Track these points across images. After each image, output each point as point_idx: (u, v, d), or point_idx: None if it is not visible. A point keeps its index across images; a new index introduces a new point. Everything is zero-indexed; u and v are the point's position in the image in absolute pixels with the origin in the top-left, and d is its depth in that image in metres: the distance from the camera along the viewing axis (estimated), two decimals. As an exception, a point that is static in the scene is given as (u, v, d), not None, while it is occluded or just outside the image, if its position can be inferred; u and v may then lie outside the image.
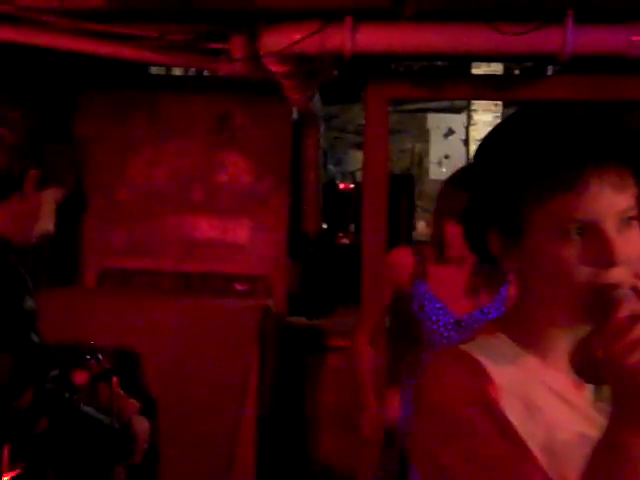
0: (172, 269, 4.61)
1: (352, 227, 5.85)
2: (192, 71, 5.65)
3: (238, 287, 4.58)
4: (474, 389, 1.04)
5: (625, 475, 0.92)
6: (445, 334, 2.55)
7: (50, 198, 1.88)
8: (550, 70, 4.72)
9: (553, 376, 1.10)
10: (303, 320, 4.66)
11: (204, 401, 3.92)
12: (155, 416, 2.99)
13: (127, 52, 3.69)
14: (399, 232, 5.60)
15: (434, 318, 2.56)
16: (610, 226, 1.01)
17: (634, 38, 3.32)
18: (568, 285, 1.02)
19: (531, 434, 1.03)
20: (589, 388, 1.12)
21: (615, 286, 0.99)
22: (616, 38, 3.39)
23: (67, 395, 1.72)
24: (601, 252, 1.00)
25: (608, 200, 1.01)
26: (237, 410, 3.96)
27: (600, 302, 0.98)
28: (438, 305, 2.57)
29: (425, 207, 8.82)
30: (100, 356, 2.21)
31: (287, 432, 4.39)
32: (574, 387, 1.11)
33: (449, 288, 2.61)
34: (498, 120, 9.21)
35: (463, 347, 1.10)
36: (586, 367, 1.09)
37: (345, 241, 5.63)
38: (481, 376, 1.05)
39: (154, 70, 5.32)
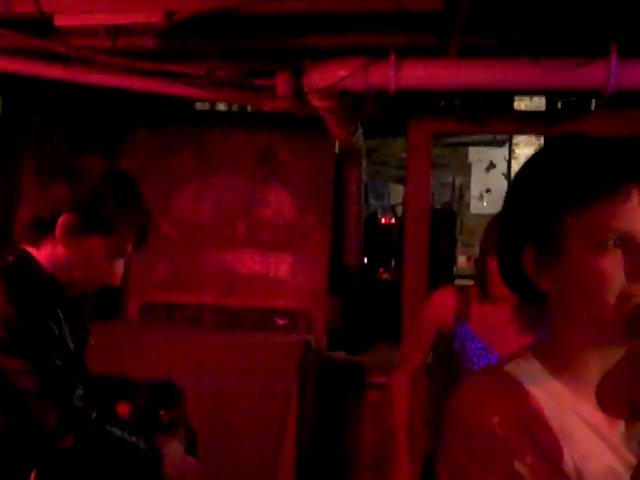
0: (214, 303, 4.63)
1: (393, 262, 5.83)
2: (236, 106, 5.72)
3: (279, 322, 4.58)
4: (513, 406, 1.03)
5: None
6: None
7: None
8: (593, 104, 4.70)
9: (587, 409, 1.08)
10: (343, 355, 4.64)
11: (244, 436, 3.91)
12: (195, 450, 2.98)
13: (176, 89, 3.77)
14: (440, 267, 5.56)
15: (475, 359, 2.52)
16: None
17: (680, 72, 3.29)
18: (605, 297, 1.01)
19: (565, 461, 1.02)
20: (622, 424, 1.08)
21: None
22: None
23: (94, 415, 1.74)
24: (638, 264, 0.99)
25: None
26: (276, 445, 3.94)
27: (636, 318, 0.97)
28: (480, 345, 2.53)
29: (466, 241, 8.78)
30: (145, 390, 2.22)
31: (326, 468, 4.36)
32: (607, 422, 1.08)
33: (492, 328, 2.57)
34: (540, 154, 9.16)
35: (504, 367, 1.10)
36: (619, 401, 1.07)
37: (386, 276, 5.61)
38: (523, 395, 1.05)
39: (199, 106, 5.39)
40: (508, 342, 2.52)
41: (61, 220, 1.79)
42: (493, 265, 2.47)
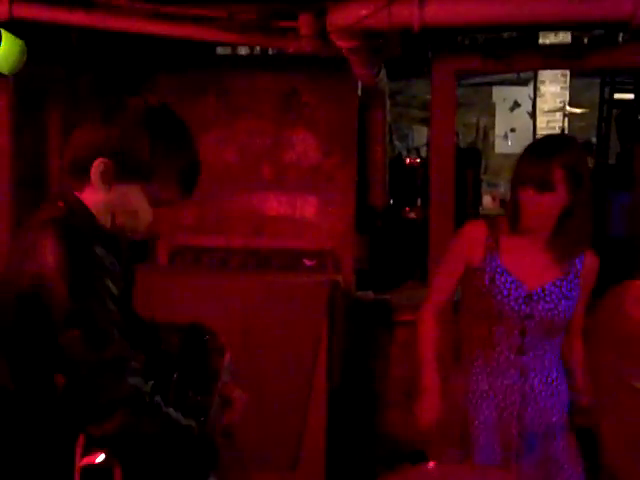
0: (242, 246, 4.69)
1: (419, 202, 5.84)
2: (257, 50, 5.70)
3: (307, 263, 4.63)
4: None
5: None
6: (516, 308, 2.53)
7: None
8: (621, 38, 4.63)
9: None
10: (371, 295, 4.69)
11: (275, 375, 3.98)
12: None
13: (199, 33, 3.76)
14: (466, 206, 5.57)
15: (505, 292, 2.54)
16: None
17: None
18: None
19: None
20: None
21: None
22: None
23: (147, 396, 1.66)
24: None
25: None
26: (307, 383, 4.02)
27: None
28: (510, 279, 2.55)
29: (491, 181, 8.75)
30: (176, 333, 2.24)
31: (356, 405, 4.44)
32: None
33: (522, 261, 2.59)
34: (566, 91, 9.06)
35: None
36: None
37: (412, 215, 5.62)
38: None
39: (220, 51, 5.38)
40: (538, 275, 2.56)
41: (94, 165, 1.69)
42: (525, 196, 2.48)
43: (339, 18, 3.48)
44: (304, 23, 3.64)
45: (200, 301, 3.97)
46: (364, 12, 3.38)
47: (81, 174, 1.72)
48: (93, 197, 1.74)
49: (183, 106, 4.70)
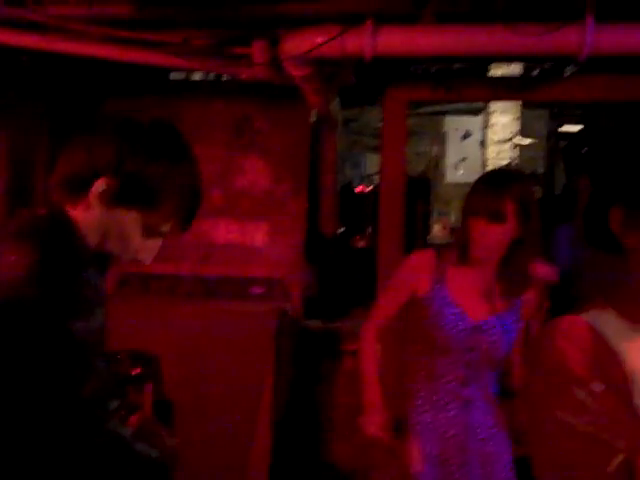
0: (190, 273, 4.64)
1: (369, 230, 5.86)
2: (211, 76, 5.68)
3: (255, 290, 4.59)
4: (592, 350, 1.15)
5: None
6: (461, 340, 2.54)
7: None
8: (569, 70, 4.72)
9: None
10: (319, 323, 4.67)
11: (221, 404, 3.94)
12: (172, 419, 2.99)
13: (152, 58, 3.73)
14: (415, 235, 5.60)
15: (451, 324, 2.55)
16: None
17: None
18: None
19: (636, 398, 1.13)
20: None
21: None
22: (636, 37, 3.38)
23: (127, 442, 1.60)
24: None
25: None
26: (253, 412, 3.98)
27: None
28: (456, 310, 2.56)
29: (441, 210, 8.82)
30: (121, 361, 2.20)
31: (302, 435, 4.40)
32: None
33: (468, 292, 2.60)
34: (517, 122, 9.20)
35: (574, 317, 1.21)
36: None
37: (362, 244, 5.64)
38: (596, 339, 1.16)
39: (174, 76, 5.34)
40: (484, 307, 2.57)
41: (97, 183, 1.59)
42: (476, 227, 2.50)
43: (292, 46, 3.49)
44: (258, 50, 3.64)
45: (147, 329, 3.91)
46: (317, 41, 3.39)
47: (78, 189, 1.61)
48: (85, 215, 1.62)
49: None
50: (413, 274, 2.65)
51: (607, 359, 1.14)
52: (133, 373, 2.11)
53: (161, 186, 1.62)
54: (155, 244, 1.71)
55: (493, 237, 2.49)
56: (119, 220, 1.64)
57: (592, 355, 1.15)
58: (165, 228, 1.69)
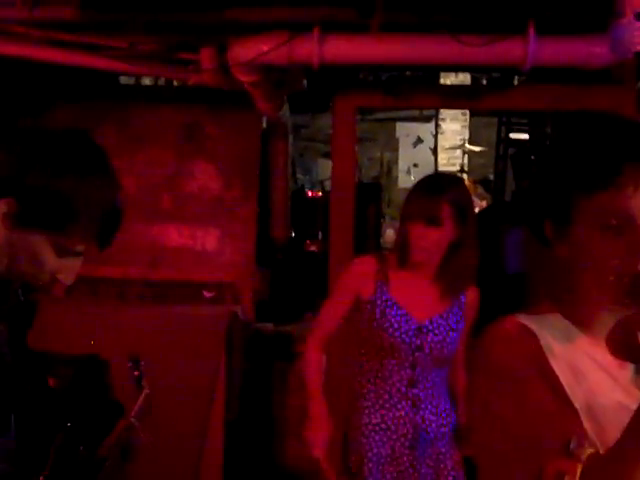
0: (140, 277, 4.62)
1: (320, 235, 5.89)
2: (162, 81, 5.68)
3: (206, 294, 4.60)
4: (529, 351, 1.19)
5: None
6: (407, 340, 2.59)
7: None
8: (516, 80, 4.82)
9: (600, 352, 1.22)
10: (271, 326, 4.69)
11: (172, 408, 3.92)
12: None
13: (97, 62, 3.73)
14: (367, 240, 5.65)
15: (396, 325, 2.59)
16: None
17: (594, 49, 3.40)
18: (606, 273, 1.15)
19: (575, 395, 1.17)
20: (630, 367, 1.24)
21: None
22: (576, 50, 3.48)
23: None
24: (635, 244, 1.13)
25: None
26: (205, 416, 3.99)
27: (634, 287, 1.11)
28: (400, 312, 2.61)
29: (394, 215, 8.88)
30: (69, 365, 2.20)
31: (254, 437, 4.42)
32: (618, 365, 1.22)
33: (411, 294, 2.65)
34: (466, 129, 9.32)
35: (519, 317, 1.25)
36: (627, 347, 1.17)
37: (313, 248, 5.68)
38: (533, 341, 1.20)
39: (124, 80, 5.33)
40: (427, 308, 2.63)
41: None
42: (415, 231, 2.56)
43: (240, 53, 3.52)
44: (205, 56, 3.67)
45: (97, 333, 3.89)
46: (264, 48, 3.43)
47: None
48: None
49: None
50: (356, 280, 2.70)
51: (544, 362, 1.19)
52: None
53: (69, 203, 1.45)
54: (74, 263, 1.56)
55: (431, 240, 2.56)
56: (27, 242, 1.48)
57: (530, 358, 1.19)
58: (80, 248, 1.54)
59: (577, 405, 1.17)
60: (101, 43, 3.62)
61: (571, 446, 1.09)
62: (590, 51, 3.40)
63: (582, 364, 1.21)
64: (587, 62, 3.46)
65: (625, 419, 1.07)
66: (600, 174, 1.15)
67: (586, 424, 1.15)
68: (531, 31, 3.41)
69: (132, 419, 2.10)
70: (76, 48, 3.62)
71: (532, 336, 1.21)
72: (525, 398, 1.16)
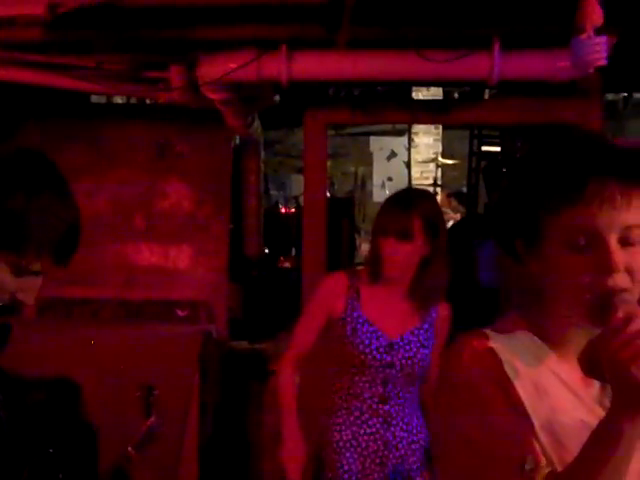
0: (113, 297, 4.60)
1: (294, 251, 5.90)
2: (134, 99, 5.67)
3: (180, 313, 4.58)
4: (490, 369, 1.19)
5: (615, 456, 1.05)
6: (378, 357, 2.59)
7: None
8: (487, 94, 4.85)
9: (566, 370, 1.23)
10: (245, 344, 4.68)
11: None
12: (96, 445, 2.96)
13: (66, 82, 3.71)
14: (341, 255, 5.66)
15: (367, 342, 2.60)
16: (612, 238, 1.13)
17: (558, 63, 3.44)
18: (576, 290, 1.15)
19: (535, 411, 1.17)
20: (596, 385, 1.24)
21: (615, 291, 1.12)
22: (542, 63, 3.51)
23: None
24: (602, 261, 1.13)
25: (609, 215, 1.13)
26: (179, 436, 3.96)
27: (602, 305, 1.11)
28: (371, 328, 2.62)
29: (368, 230, 8.90)
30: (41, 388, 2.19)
31: (229, 457, 4.39)
32: (583, 382, 1.23)
33: (382, 311, 2.66)
34: (438, 142, 9.38)
35: (483, 335, 1.25)
36: (594, 365, 1.18)
37: (287, 265, 5.68)
38: (495, 358, 1.20)
39: (95, 99, 5.32)
40: (398, 324, 2.63)
41: None
42: (386, 246, 2.57)
43: (209, 70, 3.53)
44: (175, 74, 3.67)
45: (70, 355, 3.86)
46: (233, 65, 3.44)
47: None
48: None
49: (53, 155, 4.60)
50: (327, 297, 2.70)
51: (505, 380, 1.19)
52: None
53: (21, 222, 1.44)
54: (33, 282, 1.54)
55: (403, 255, 2.57)
56: None
57: (492, 375, 1.20)
58: (37, 267, 1.52)
59: (537, 423, 1.17)
60: (69, 63, 3.60)
61: (526, 466, 1.10)
62: (554, 65, 3.43)
63: (547, 381, 1.21)
64: (552, 76, 3.49)
65: (586, 437, 1.08)
66: (565, 190, 1.15)
67: (546, 442, 1.16)
68: (496, 46, 3.44)
69: (129, 449, 2.07)
70: (45, 68, 3.60)
71: (494, 354, 1.21)
72: (486, 416, 1.17)
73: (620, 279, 1.12)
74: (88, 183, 4.65)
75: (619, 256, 1.12)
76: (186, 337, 4.13)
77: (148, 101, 5.45)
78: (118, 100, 5.87)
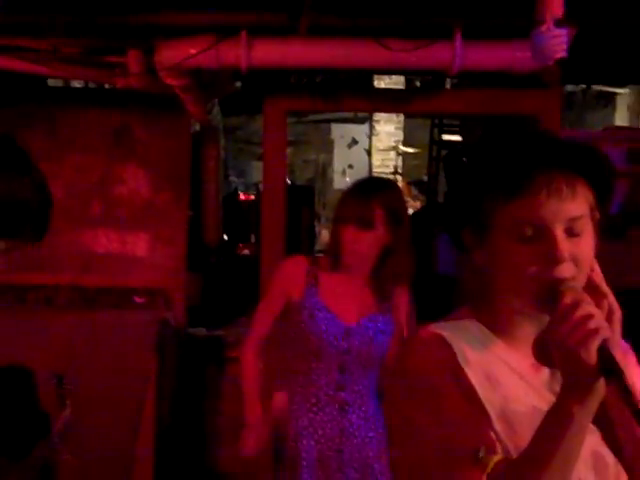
0: (69, 283, 4.53)
1: (253, 238, 5.89)
2: (92, 84, 5.59)
3: (137, 300, 4.54)
4: (443, 360, 1.20)
5: (566, 439, 1.07)
6: (335, 343, 2.59)
7: None
8: (449, 84, 4.87)
9: (515, 358, 1.25)
10: (203, 331, 4.66)
11: (101, 415, 3.88)
12: (49, 431, 2.95)
13: (20, 65, 3.64)
14: (301, 243, 5.66)
15: (324, 328, 2.60)
16: (558, 228, 1.16)
17: (518, 54, 3.46)
18: (523, 280, 1.17)
19: (489, 401, 1.19)
20: (546, 372, 1.26)
21: (562, 280, 1.14)
22: (502, 54, 3.53)
23: None
24: (549, 251, 1.15)
25: (555, 206, 1.16)
26: (135, 423, 3.95)
27: (550, 294, 1.13)
28: (329, 315, 2.62)
29: (329, 217, 8.92)
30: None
31: (186, 443, 4.38)
32: (533, 369, 1.26)
33: (340, 297, 2.66)
34: (400, 130, 9.40)
35: (435, 326, 1.27)
36: (544, 352, 1.23)
37: (246, 252, 5.67)
38: (448, 349, 1.21)
39: (52, 83, 5.23)
40: (356, 310, 2.64)
41: None
42: (346, 234, 2.56)
43: (167, 56, 3.49)
44: (133, 60, 3.63)
45: (23, 341, 3.83)
46: (192, 51, 3.41)
47: None
48: None
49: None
50: (286, 281, 2.70)
51: (458, 370, 1.20)
52: None
53: None
54: None
55: (363, 244, 2.57)
56: None
57: (445, 366, 1.21)
58: (1, 245, 1.56)
59: (491, 411, 1.18)
60: (25, 46, 3.54)
61: (480, 454, 1.11)
62: (514, 56, 3.45)
63: (497, 370, 1.23)
64: (512, 67, 3.52)
65: (538, 423, 1.10)
66: (513, 181, 1.17)
67: (500, 430, 1.17)
68: (458, 36, 3.45)
69: (54, 438, 2.07)
70: (-1, 51, 3.54)
71: (447, 344, 1.23)
72: (439, 406, 1.18)
73: (566, 269, 1.15)
74: (45, 168, 4.57)
75: (565, 246, 1.15)
76: (143, 324, 4.10)
77: (107, 86, 5.39)
78: (76, 84, 5.78)
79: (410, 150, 9.17)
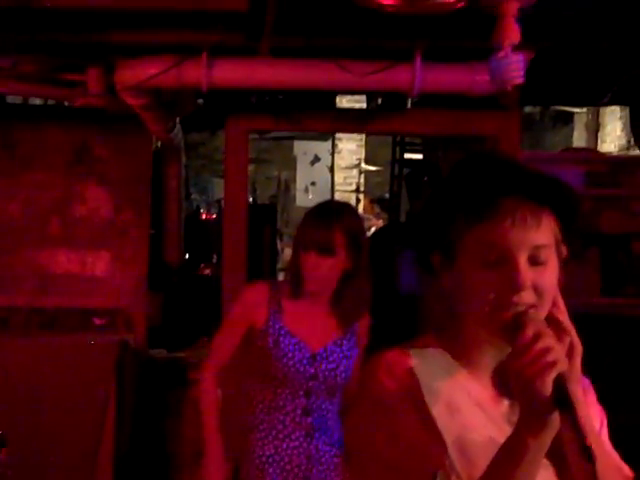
0: (26, 305, 4.46)
1: (215, 258, 5.85)
2: (51, 101, 5.52)
3: (97, 322, 4.48)
4: (404, 385, 1.20)
5: (520, 470, 1.08)
6: (301, 369, 2.57)
7: None
8: (410, 102, 4.89)
9: (477, 388, 1.24)
10: (164, 353, 4.61)
11: (59, 440, 3.82)
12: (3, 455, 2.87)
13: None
14: (263, 262, 5.64)
15: (290, 354, 2.57)
16: (521, 256, 1.15)
17: (478, 77, 3.49)
18: (483, 306, 1.16)
19: (447, 429, 1.18)
20: (505, 403, 1.25)
21: (521, 306, 1.14)
22: (461, 77, 3.57)
23: None
24: (510, 278, 1.15)
25: (520, 234, 1.16)
26: (94, 447, 3.88)
27: (512, 324, 1.13)
28: (294, 340, 2.59)
29: (292, 234, 8.92)
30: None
31: (147, 468, 4.32)
32: (493, 400, 1.25)
33: (305, 322, 2.64)
34: (362, 148, 9.43)
35: (402, 351, 1.26)
36: (504, 382, 1.22)
37: (207, 272, 5.63)
38: (410, 375, 1.21)
39: (11, 99, 5.17)
40: (321, 335, 2.62)
41: None
42: (308, 261, 2.54)
43: (128, 75, 3.47)
44: (92, 78, 3.60)
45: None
46: (152, 71, 3.38)
47: None
48: None
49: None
50: (248, 308, 2.66)
51: (419, 396, 1.20)
52: None
53: None
54: None
55: (324, 270, 2.55)
56: None
57: (405, 391, 1.20)
58: None
59: (448, 440, 1.18)
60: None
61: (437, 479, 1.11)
62: (473, 79, 3.49)
63: (459, 399, 1.23)
64: (471, 90, 3.55)
65: (493, 455, 1.10)
66: (479, 207, 1.17)
67: (456, 459, 1.17)
68: (418, 59, 3.48)
69: None
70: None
71: (412, 374, 1.22)
72: (397, 431, 1.18)
73: (526, 296, 1.14)
74: (2, 187, 4.52)
75: (527, 274, 1.15)
76: (102, 347, 4.04)
77: (66, 103, 5.33)
78: (36, 101, 5.71)
79: (372, 168, 9.21)
